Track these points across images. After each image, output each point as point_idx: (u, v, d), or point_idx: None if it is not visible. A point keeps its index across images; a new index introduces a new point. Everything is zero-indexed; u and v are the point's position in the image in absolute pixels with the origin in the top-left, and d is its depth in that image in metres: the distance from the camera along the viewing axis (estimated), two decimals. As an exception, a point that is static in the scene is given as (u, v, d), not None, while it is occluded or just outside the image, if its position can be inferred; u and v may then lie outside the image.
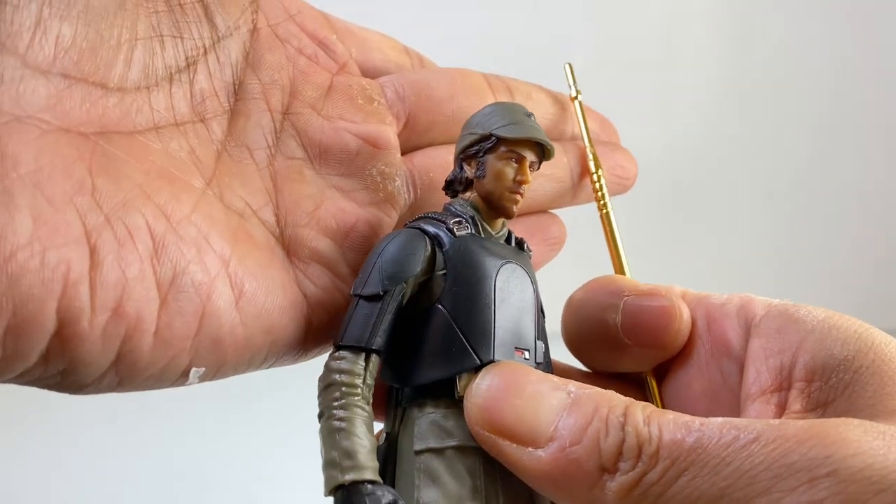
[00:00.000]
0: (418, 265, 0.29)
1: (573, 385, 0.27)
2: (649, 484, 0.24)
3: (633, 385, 0.35)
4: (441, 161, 0.35)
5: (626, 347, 0.33)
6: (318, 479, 0.26)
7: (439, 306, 0.28)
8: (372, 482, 0.26)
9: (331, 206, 0.32)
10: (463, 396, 0.27)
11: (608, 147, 0.40)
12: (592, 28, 0.79)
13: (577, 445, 0.25)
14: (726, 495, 0.23)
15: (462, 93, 0.36)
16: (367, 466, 0.26)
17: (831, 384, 0.27)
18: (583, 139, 0.37)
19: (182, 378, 0.28)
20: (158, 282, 0.26)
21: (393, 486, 0.28)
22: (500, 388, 0.27)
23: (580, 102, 0.37)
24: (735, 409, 0.30)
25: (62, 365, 0.25)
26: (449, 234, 0.29)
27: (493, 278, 0.29)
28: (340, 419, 0.26)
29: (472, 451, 0.27)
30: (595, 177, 0.36)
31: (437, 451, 0.27)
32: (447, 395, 0.28)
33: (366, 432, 0.27)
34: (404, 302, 0.29)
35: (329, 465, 0.26)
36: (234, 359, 0.29)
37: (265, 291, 0.29)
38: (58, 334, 0.24)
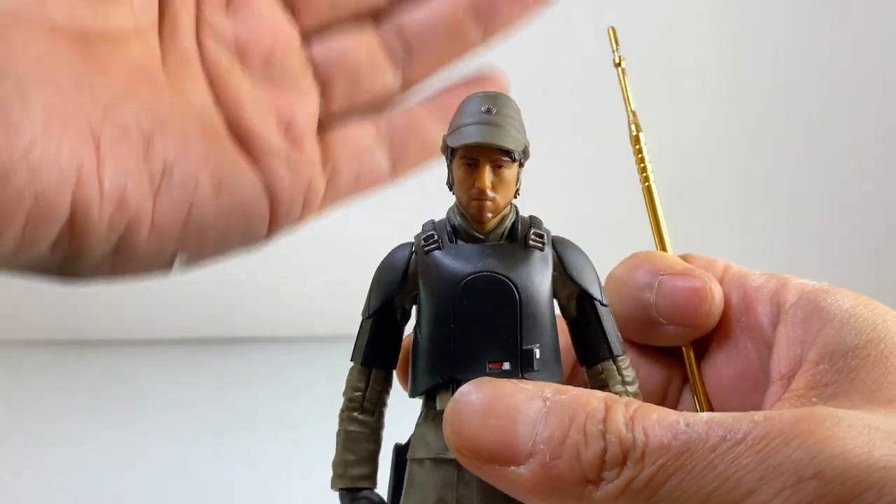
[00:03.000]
0: (394, 285, 0.30)
1: (549, 390, 0.26)
2: (636, 490, 0.24)
3: (674, 356, 0.36)
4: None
5: (660, 325, 0.33)
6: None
7: (416, 325, 0.30)
8: (357, 489, 0.29)
9: (266, 97, 0.34)
10: (443, 410, 0.28)
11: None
12: (594, 27, 0.76)
13: (557, 459, 0.24)
14: (714, 498, 0.23)
15: None
16: (349, 475, 0.29)
17: (837, 368, 0.27)
18: (626, 107, 0.36)
19: (167, 267, 0.30)
20: (151, 176, 0.28)
21: (400, 492, 0.30)
22: (473, 411, 0.26)
23: (623, 69, 0.36)
24: None
25: (66, 252, 0.27)
26: (421, 250, 0.30)
27: (454, 295, 0.28)
28: (339, 431, 0.30)
29: (447, 463, 0.28)
30: (636, 149, 0.36)
31: (419, 462, 0.29)
32: (432, 407, 0.29)
33: (358, 442, 0.30)
34: (399, 317, 0.30)
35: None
36: (213, 248, 0.31)
37: (238, 184, 0.31)
38: (69, 222, 0.26)
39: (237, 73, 0.34)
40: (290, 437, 0.74)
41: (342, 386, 0.31)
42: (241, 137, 0.33)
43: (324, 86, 0.36)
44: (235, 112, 0.33)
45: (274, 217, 0.33)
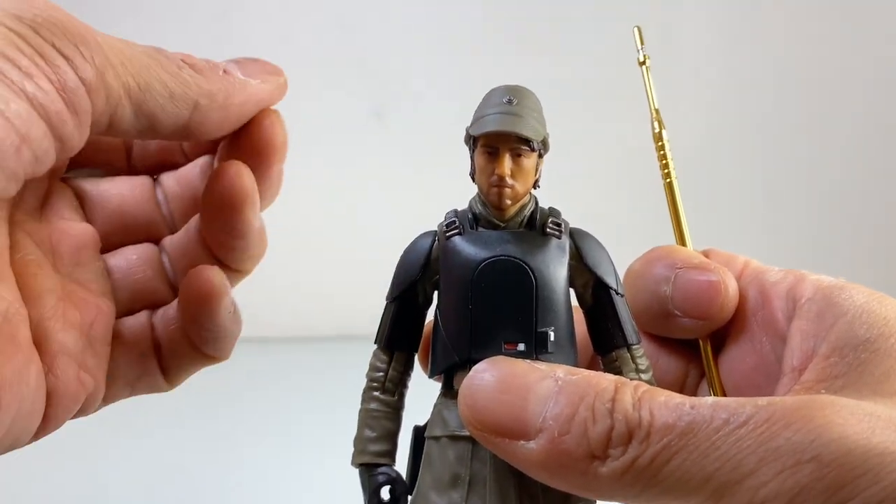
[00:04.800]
0: (416, 270, 0.31)
1: (561, 371, 0.27)
2: (640, 468, 0.24)
3: (692, 349, 0.36)
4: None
5: (676, 317, 0.34)
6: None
7: (437, 308, 0.31)
8: (373, 465, 0.31)
9: (73, 298, 0.33)
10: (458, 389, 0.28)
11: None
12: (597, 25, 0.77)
13: (566, 435, 0.25)
14: (715, 478, 0.24)
15: None
16: (368, 451, 0.31)
17: (847, 361, 0.28)
18: (649, 105, 0.37)
19: None
20: None
21: (418, 471, 0.31)
22: (487, 387, 0.27)
23: (647, 68, 0.37)
24: None
25: None
26: (443, 236, 0.31)
27: (471, 277, 0.29)
28: (361, 410, 0.32)
29: (463, 439, 0.29)
30: (659, 146, 0.36)
31: (436, 439, 0.30)
32: (449, 387, 0.30)
33: (378, 420, 0.31)
34: (421, 301, 0.31)
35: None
36: None
37: (17, 400, 0.29)
38: None
39: (48, 269, 0.32)
40: (289, 436, 0.74)
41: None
42: (38, 338, 0.31)
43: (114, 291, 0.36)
44: (36, 311, 0.31)
45: (48, 419, 0.31)
